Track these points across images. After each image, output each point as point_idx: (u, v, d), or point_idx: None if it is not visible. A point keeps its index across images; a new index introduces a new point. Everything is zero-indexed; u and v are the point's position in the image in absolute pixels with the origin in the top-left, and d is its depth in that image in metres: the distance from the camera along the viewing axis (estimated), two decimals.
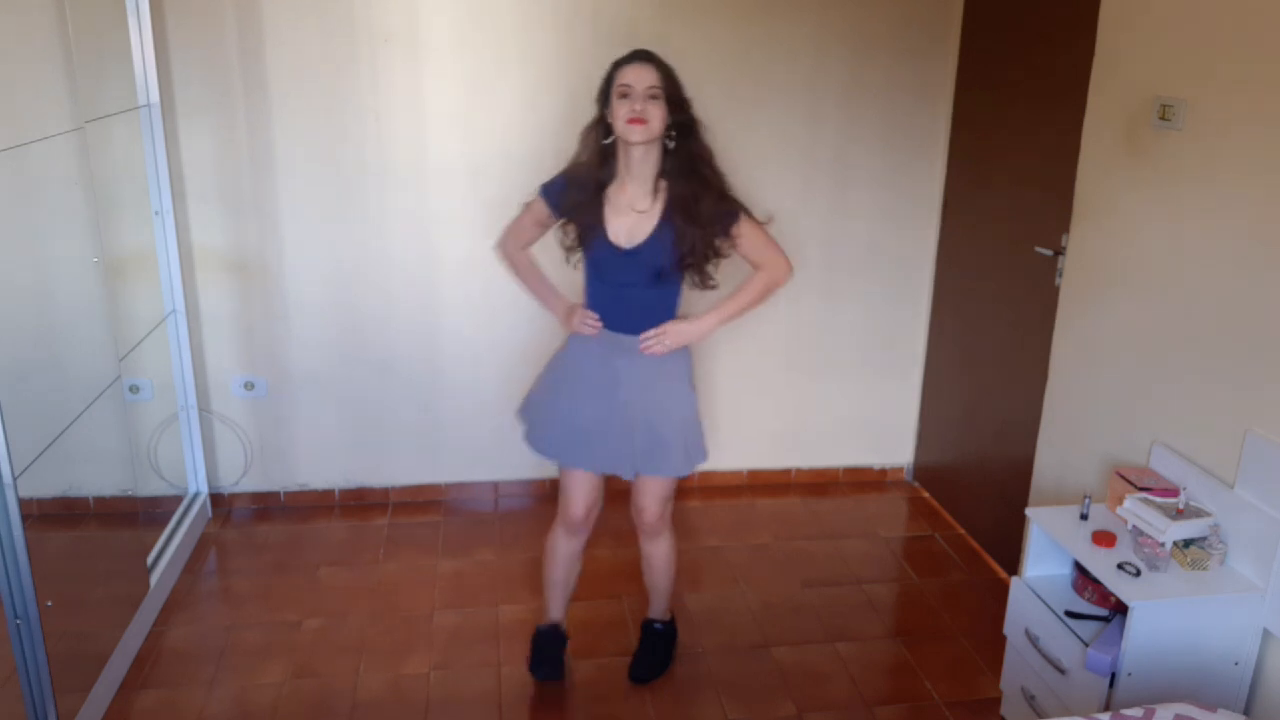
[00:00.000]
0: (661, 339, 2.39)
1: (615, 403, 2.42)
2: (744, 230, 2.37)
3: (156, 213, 3.23)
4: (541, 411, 2.53)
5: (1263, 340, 2.12)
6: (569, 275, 2.53)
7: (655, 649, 2.77)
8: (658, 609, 2.78)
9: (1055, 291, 2.87)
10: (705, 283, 2.41)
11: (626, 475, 2.48)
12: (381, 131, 3.31)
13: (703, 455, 2.52)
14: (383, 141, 3.32)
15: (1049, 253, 2.90)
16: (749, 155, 3.49)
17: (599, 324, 2.41)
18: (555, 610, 2.72)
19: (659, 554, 2.67)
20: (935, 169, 3.62)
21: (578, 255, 2.44)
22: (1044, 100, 2.96)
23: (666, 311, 2.42)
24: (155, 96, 3.13)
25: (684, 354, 2.48)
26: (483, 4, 3.24)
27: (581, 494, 2.55)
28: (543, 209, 2.45)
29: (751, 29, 3.37)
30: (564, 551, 2.64)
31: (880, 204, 3.64)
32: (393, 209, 3.40)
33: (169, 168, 3.22)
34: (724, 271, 2.45)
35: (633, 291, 2.39)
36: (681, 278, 2.40)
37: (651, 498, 2.55)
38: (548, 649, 2.70)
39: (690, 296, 2.46)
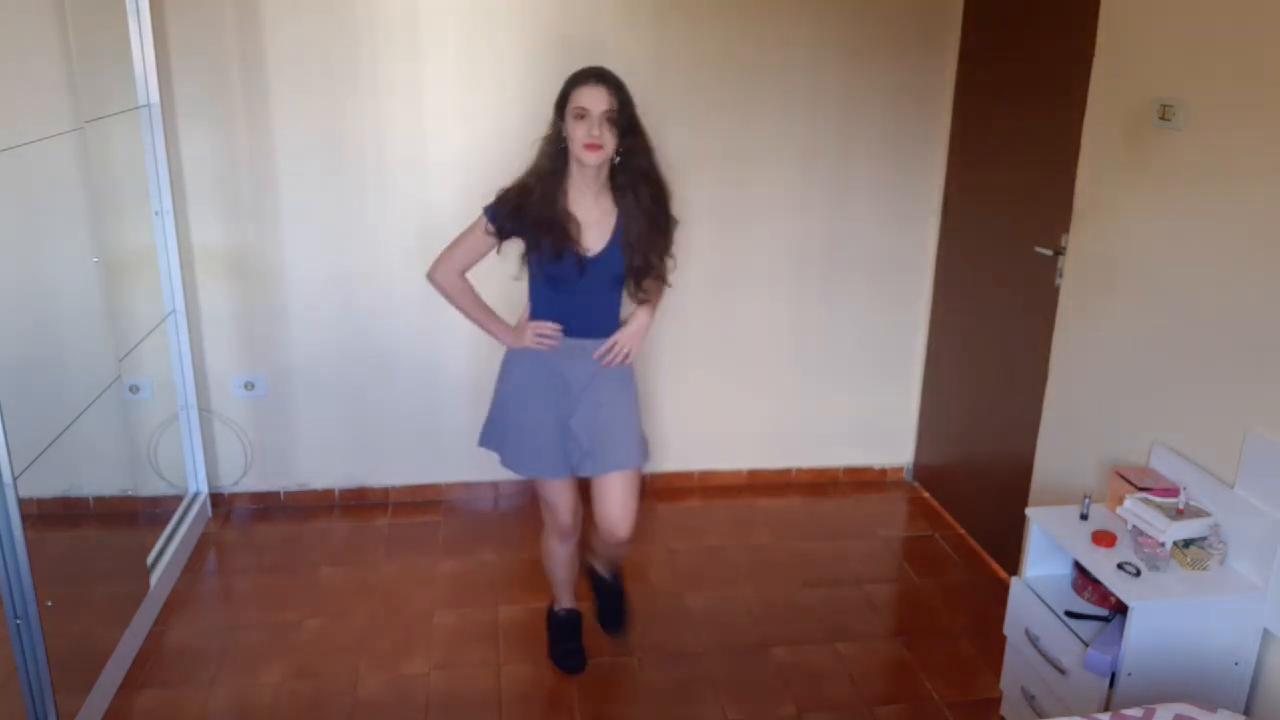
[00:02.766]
0: (621, 351, 2.43)
1: (571, 403, 2.45)
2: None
3: (156, 213, 3.23)
4: (510, 435, 2.52)
5: (1263, 340, 2.12)
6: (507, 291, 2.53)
7: (621, 598, 2.84)
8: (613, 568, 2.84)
9: (1055, 291, 2.87)
10: (638, 294, 2.45)
11: (593, 473, 2.48)
12: (381, 131, 3.31)
13: (647, 452, 2.58)
14: (383, 141, 3.32)
15: (1049, 253, 2.90)
16: (749, 155, 3.49)
17: (558, 335, 2.42)
18: (568, 599, 2.81)
19: (622, 555, 2.75)
20: (935, 169, 3.62)
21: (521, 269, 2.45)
22: (1044, 100, 2.96)
23: (617, 313, 2.47)
24: (155, 96, 3.13)
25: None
26: (483, 4, 3.24)
27: (566, 502, 2.58)
28: (488, 231, 2.38)
29: (751, 30, 3.37)
30: (563, 555, 2.70)
31: (880, 204, 3.64)
32: (392, 208, 3.39)
33: (169, 168, 3.22)
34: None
35: (591, 298, 2.42)
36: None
37: (626, 498, 2.49)
38: (572, 639, 2.77)
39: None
